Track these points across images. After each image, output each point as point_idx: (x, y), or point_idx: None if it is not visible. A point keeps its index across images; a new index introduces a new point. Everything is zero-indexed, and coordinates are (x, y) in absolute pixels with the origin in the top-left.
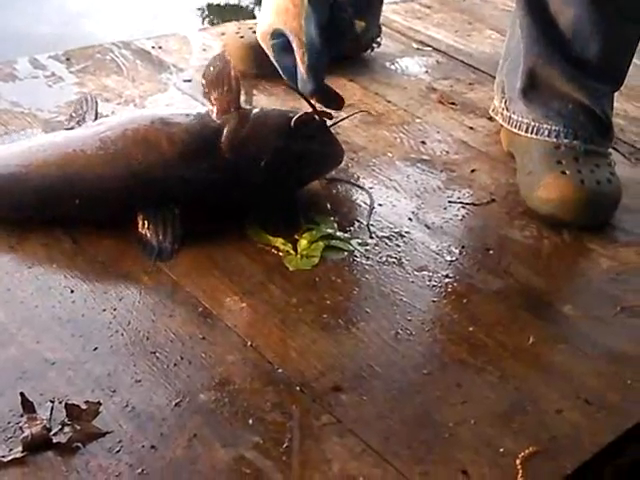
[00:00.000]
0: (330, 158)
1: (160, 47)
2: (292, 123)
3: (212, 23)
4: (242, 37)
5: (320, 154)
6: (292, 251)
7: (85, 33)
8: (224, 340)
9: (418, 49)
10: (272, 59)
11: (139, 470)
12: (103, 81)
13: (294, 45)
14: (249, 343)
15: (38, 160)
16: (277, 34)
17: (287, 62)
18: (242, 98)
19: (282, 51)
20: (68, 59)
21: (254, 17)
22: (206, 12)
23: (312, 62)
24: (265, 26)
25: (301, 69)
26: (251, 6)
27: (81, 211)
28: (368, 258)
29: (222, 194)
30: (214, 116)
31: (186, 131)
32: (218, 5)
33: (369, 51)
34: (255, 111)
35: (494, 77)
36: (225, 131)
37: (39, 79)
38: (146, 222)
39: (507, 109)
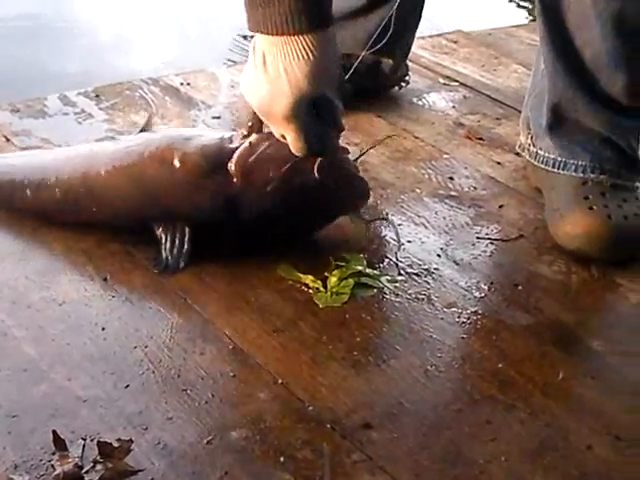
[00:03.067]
0: (350, 194)
1: (189, 84)
2: (316, 172)
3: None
4: None
5: (338, 189)
6: (322, 288)
7: (112, 70)
8: (255, 378)
9: (445, 84)
10: (303, 132)
11: None
12: (132, 117)
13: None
14: (280, 380)
15: (74, 165)
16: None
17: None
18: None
19: (313, 119)
20: (97, 95)
21: None
22: (233, 49)
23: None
24: (295, 95)
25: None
26: None
27: (98, 219)
28: (397, 295)
29: (231, 219)
30: (235, 140)
31: (201, 152)
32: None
33: (397, 88)
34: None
35: (521, 112)
36: (235, 153)
37: (69, 116)
38: (157, 235)
39: (533, 145)
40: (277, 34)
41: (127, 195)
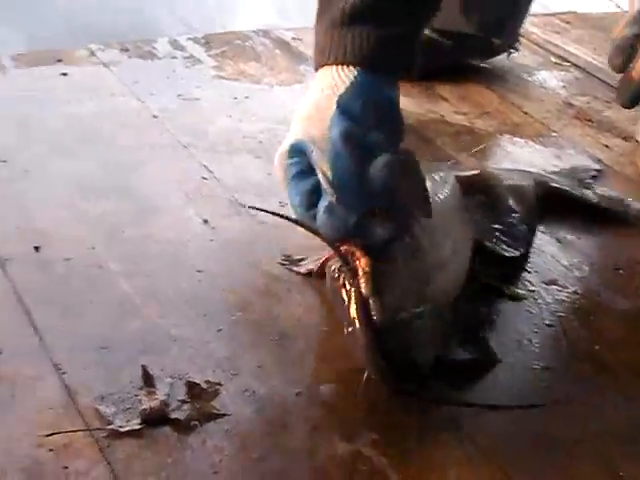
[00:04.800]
0: None
1: (300, 39)
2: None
3: None
4: None
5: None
6: None
7: (221, 22)
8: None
9: (556, 63)
10: (285, 185)
11: (255, 455)
12: (241, 67)
13: (315, 162)
14: None
15: None
16: (295, 150)
17: (302, 188)
18: None
19: (299, 174)
20: (207, 42)
21: None
22: None
23: (342, 187)
24: (284, 142)
25: (328, 199)
26: None
27: None
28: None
29: None
30: None
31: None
32: None
33: (505, 55)
34: None
35: None
36: None
37: (177, 60)
38: None
39: None
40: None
41: None
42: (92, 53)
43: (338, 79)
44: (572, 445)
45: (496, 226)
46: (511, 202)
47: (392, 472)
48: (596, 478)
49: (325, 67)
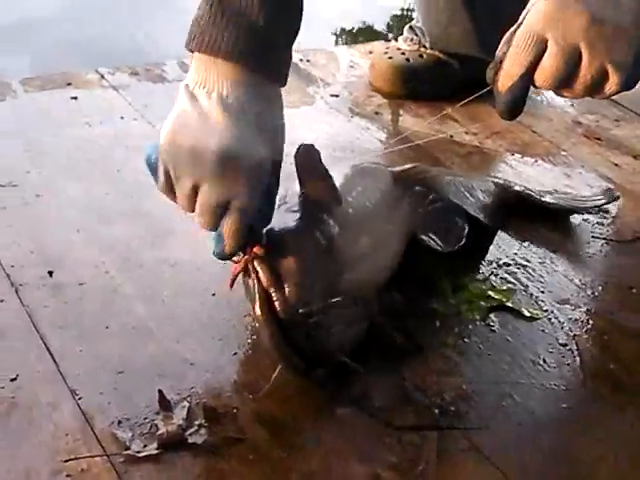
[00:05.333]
0: None
1: (308, 60)
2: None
3: (346, 44)
4: (390, 58)
5: None
6: None
7: None
8: None
9: None
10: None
11: (272, 479)
12: None
13: None
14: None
15: None
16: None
17: None
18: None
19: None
20: None
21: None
22: (339, 34)
23: None
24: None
25: None
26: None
27: None
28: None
29: None
30: None
31: None
32: (351, 30)
33: None
34: None
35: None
36: None
37: None
38: None
39: None
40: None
41: None
42: (102, 77)
43: None
44: (590, 464)
45: (431, 219)
46: (452, 196)
47: None
48: None
49: None
